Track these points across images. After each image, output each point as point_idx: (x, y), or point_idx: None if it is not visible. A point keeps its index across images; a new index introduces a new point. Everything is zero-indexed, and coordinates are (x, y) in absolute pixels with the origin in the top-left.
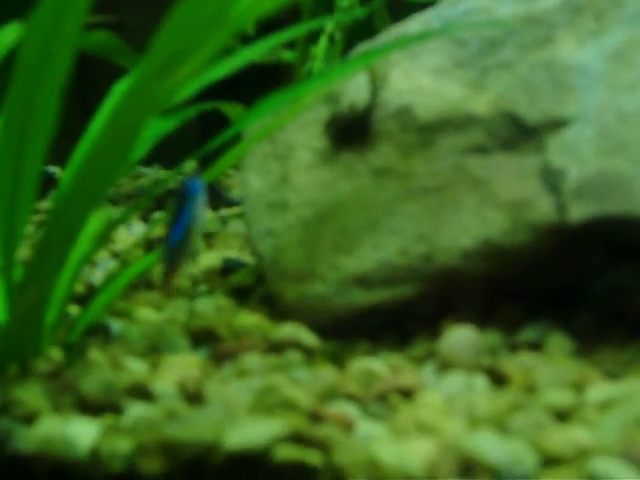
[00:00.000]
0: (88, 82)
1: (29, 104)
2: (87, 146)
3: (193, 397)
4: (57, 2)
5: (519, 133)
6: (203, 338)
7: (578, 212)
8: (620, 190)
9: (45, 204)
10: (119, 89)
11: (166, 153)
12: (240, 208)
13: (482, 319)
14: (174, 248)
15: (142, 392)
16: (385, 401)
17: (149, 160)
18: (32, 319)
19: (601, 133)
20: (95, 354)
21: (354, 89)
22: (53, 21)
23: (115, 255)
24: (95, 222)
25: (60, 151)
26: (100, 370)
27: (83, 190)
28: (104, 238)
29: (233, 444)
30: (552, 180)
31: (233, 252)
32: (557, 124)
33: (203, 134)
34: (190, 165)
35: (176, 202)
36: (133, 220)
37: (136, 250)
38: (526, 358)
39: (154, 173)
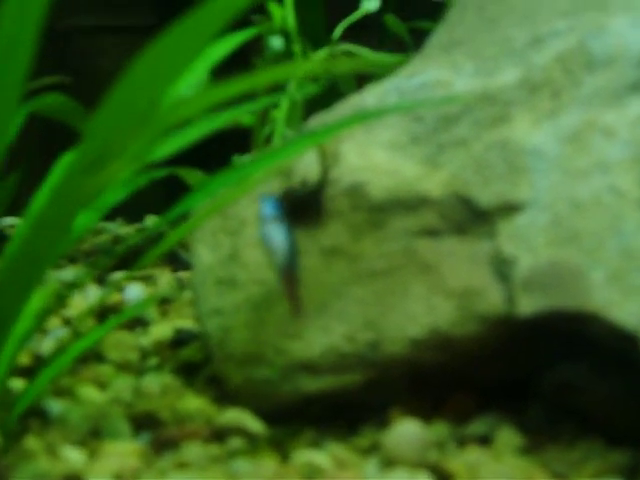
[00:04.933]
0: (56, 132)
1: None
2: (24, 226)
3: None
4: None
5: (471, 217)
6: (145, 422)
7: (527, 305)
8: (571, 283)
9: None
10: (66, 160)
11: (132, 206)
12: None
13: (431, 409)
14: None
15: None
16: None
17: (113, 214)
18: None
19: (554, 221)
20: (32, 440)
21: (306, 164)
22: None
23: (67, 322)
24: (41, 294)
25: (24, 202)
26: (35, 459)
27: (15, 277)
28: (50, 311)
29: None
30: (502, 269)
31: (187, 322)
32: (510, 209)
33: (170, 187)
34: (152, 221)
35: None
36: (88, 283)
37: (89, 318)
38: (473, 454)
39: (116, 229)
